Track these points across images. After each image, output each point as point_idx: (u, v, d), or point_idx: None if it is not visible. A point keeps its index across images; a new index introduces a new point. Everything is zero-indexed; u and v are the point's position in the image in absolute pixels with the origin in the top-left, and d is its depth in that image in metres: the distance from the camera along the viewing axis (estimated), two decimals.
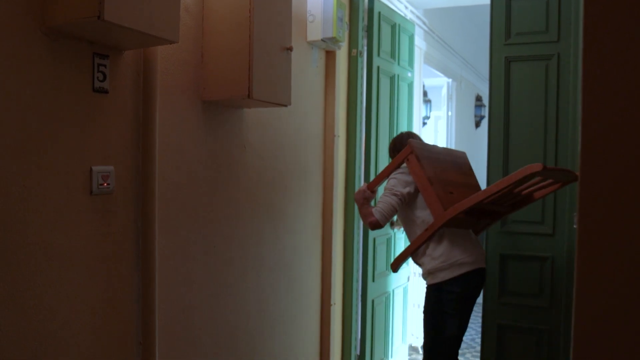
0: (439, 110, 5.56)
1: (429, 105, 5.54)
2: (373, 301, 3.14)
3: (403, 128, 3.37)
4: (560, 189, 2.63)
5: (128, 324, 1.60)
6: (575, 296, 0.81)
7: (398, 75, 3.29)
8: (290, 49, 2.00)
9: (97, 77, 1.46)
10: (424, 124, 5.22)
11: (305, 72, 2.63)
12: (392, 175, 2.41)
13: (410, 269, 3.71)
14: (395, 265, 2.52)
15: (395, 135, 3.08)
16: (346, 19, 2.84)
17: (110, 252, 1.53)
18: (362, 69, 3.09)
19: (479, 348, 2.84)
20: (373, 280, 3.14)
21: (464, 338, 2.88)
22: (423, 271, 2.43)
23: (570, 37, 2.59)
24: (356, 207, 2.68)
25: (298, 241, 2.62)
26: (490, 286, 2.79)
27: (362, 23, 3.07)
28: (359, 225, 3.11)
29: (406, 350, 3.69)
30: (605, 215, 0.79)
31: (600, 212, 0.78)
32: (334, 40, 2.65)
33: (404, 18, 3.39)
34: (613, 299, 0.79)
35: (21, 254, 1.28)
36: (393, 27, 3.23)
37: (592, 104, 0.78)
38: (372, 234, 3.08)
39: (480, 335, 2.82)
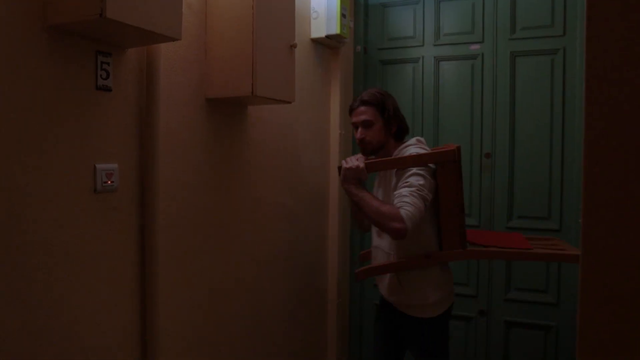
0: None
1: None
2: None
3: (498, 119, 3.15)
4: (567, 183, 2.61)
5: (132, 322, 1.61)
6: (579, 292, 0.81)
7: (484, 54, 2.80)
8: (294, 46, 2.00)
9: (100, 75, 1.46)
10: None
11: (309, 69, 2.63)
12: (416, 170, 1.87)
13: None
14: (363, 275, 2.01)
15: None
16: (350, 15, 2.84)
17: (113, 249, 1.53)
18: (365, 65, 3.08)
19: (485, 344, 2.83)
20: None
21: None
22: (418, 302, 1.97)
23: (576, 31, 2.58)
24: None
25: (302, 238, 2.62)
26: (496, 282, 2.78)
27: (367, 19, 3.06)
28: None
29: None
30: (609, 210, 0.78)
31: (605, 207, 0.77)
32: (338, 37, 2.64)
33: None
34: (618, 294, 0.78)
35: (24, 252, 1.28)
36: None
37: (595, 100, 0.77)
38: None
39: (487, 332, 2.81)
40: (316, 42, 2.67)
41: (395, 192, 1.85)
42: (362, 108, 2.02)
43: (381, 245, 2.05)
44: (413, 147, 2.00)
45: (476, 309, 2.82)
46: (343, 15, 2.63)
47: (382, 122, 2.02)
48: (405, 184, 1.84)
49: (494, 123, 2.77)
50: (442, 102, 2.88)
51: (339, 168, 1.98)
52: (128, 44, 1.53)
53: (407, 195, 1.80)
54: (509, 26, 2.72)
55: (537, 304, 2.70)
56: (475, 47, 2.80)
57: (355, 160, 1.94)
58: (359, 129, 2.04)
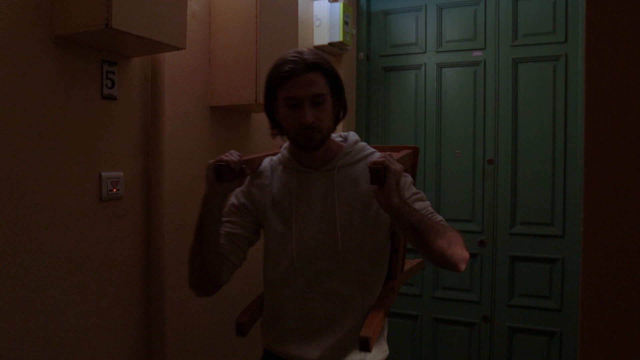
0: None
1: None
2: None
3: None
4: (570, 189, 2.61)
5: (137, 329, 1.62)
6: (580, 298, 0.81)
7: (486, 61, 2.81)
8: None
9: (106, 84, 1.48)
10: None
11: None
12: (410, 178, 1.39)
13: None
14: (373, 342, 1.25)
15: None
16: (353, 23, 2.85)
17: (119, 257, 1.55)
18: (368, 72, 3.10)
19: (488, 351, 2.82)
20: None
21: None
22: (377, 355, 1.36)
23: (577, 38, 2.58)
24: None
25: None
26: (500, 288, 2.78)
27: (369, 26, 3.08)
28: None
29: None
30: (610, 217, 0.78)
31: (605, 211, 0.78)
32: (341, 45, 2.66)
33: None
34: (619, 299, 0.78)
35: (31, 260, 1.29)
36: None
37: (595, 104, 0.78)
38: None
39: (490, 338, 2.80)
40: (319, 49, 2.69)
41: (418, 207, 1.26)
42: (310, 75, 1.24)
43: (323, 294, 1.32)
44: (369, 145, 1.42)
45: (480, 315, 2.82)
46: (346, 23, 2.65)
47: (332, 101, 1.30)
48: (417, 197, 1.33)
49: (496, 129, 2.77)
50: (445, 109, 2.89)
51: (379, 172, 1.14)
52: (133, 53, 1.55)
53: (434, 213, 1.31)
54: (511, 33, 2.74)
55: (541, 310, 2.69)
56: (477, 54, 2.81)
57: (386, 155, 1.20)
58: (305, 109, 1.24)
